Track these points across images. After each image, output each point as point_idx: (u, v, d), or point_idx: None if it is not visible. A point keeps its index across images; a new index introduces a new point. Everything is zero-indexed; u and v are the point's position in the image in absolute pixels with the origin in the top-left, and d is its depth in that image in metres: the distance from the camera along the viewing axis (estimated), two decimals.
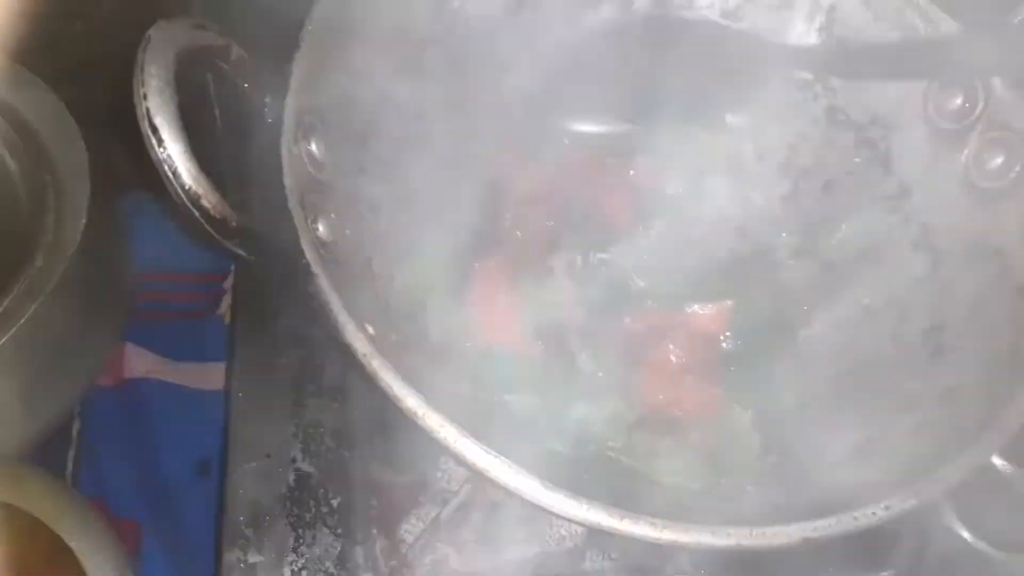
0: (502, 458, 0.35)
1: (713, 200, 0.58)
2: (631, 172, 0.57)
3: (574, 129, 0.56)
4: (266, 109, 0.42)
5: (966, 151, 0.51)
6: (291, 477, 0.49)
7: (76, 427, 0.66)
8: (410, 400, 0.35)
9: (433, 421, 0.35)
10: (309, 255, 0.38)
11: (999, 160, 0.49)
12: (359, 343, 0.36)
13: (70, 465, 0.65)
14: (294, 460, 0.49)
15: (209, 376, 0.70)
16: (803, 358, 0.52)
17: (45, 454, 0.63)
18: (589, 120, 0.56)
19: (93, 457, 0.66)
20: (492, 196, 0.55)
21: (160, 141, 0.34)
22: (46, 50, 0.60)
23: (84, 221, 0.57)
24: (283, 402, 0.51)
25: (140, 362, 0.70)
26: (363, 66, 0.48)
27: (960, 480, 0.38)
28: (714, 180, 0.59)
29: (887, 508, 0.36)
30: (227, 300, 0.73)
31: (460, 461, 0.35)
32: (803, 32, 0.56)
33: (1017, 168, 0.49)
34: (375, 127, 0.50)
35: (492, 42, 0.55)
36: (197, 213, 0.35)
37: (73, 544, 0.49)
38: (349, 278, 0.43)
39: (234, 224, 0.36)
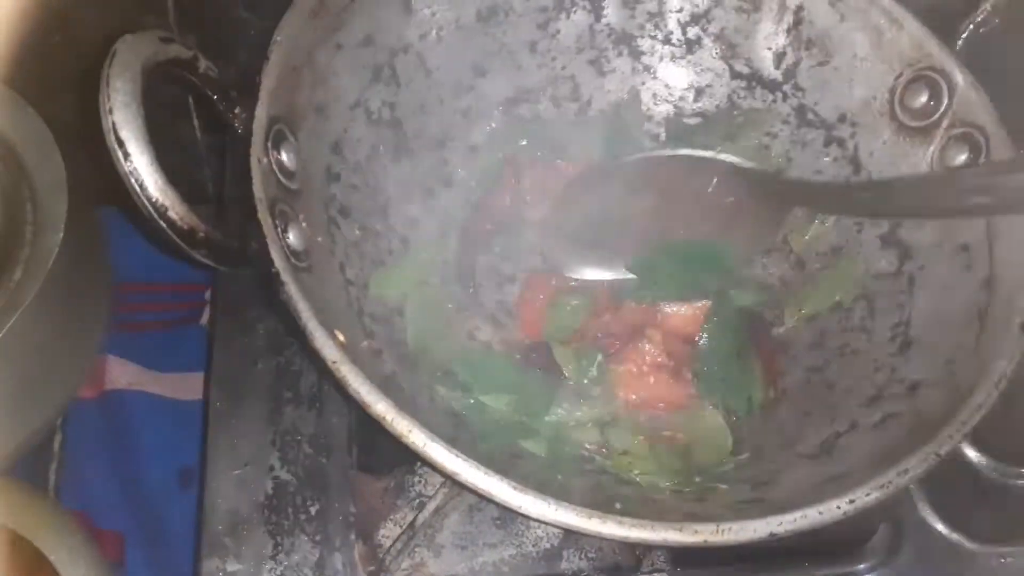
0: (471, 461, 0.35)
1: None
2: None
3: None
4: (236, 120, 0.42)
5: (932, 148, 0.52)
6: (269, 485, 0.49)
7: (58, 440, 0.66)
8: (379, 406, 0.36)
9: (402, 426, 0.35)
10: (279, 264, 0.38)
11: (963, 156, 0.50)
12: (328, 350, 0.37)
13: (52, 478, 0.65)
14: (272, 468, 0.50)
15: (191, 386, 0.70)
16: (775, 355, 0.52)
17: (27, 468, 0.63)
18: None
19: (76, 470, 0.66)
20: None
21: (126, 154, 0.34)
22: (23, 63, 0.60)
23: (62, 234, 0.57)
24: (260, 410, 0.51)
25: (122, 373, 0.70)
26: (334, 74, 0.49)
27: (922, 473, 0.38)
28: None
29: (851, 502, 0.37)
30: (208, 310, 0.73)
31: (430, 465, 0.35)
32: (771, 33, 0.57)
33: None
34: (347, 134, 0.50)
35: (466, 48, 0.56)
36: (164, 225, 0.36)
37: (54, 558, 0.49)
38: (321, 285, 0.43)
39: (202, 235, 0.37)
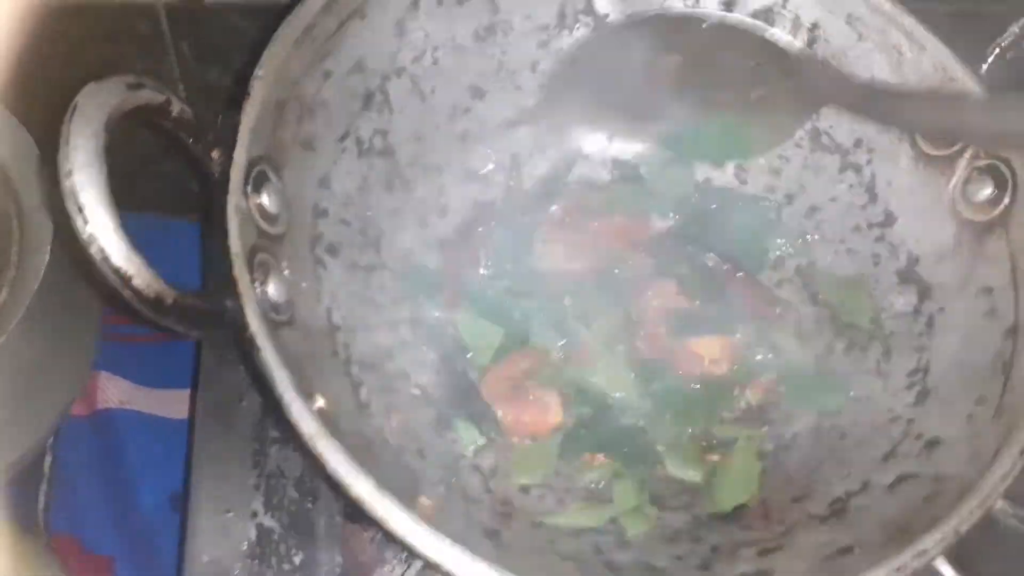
0: (459, 547, 0.33)
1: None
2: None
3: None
4: (214, 164, 0.40)
5: (954, 179, 0.49)
6: (252, 532, 0.47)
7: (48, 461, 0.65)
8: (359, 486, 0.34)
9: (382, 509, 0.33)
10: (254, 326, 0.36)
11: (987, 191, 0.47)
12: (305, 423, 0.34)
13: (42, 500, 0.64)
14: (255, 514, 0.48)
15: (184, 404, 0.68)
16: None
17: (17, 489, 0.62)
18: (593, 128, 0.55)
19: (66, 492, 0.64)
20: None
21: (87, 220, 0.32)
22: (14, 79, 0.58)
23: (48, 256, 0.56)
24: (245, 450, 0.50)
25: (114, 391, 0.68)
26: (322, 105, 0.46)
27: (941, 553, 0.36)
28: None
29: None
30: None
31: (412, 553, 0.33)
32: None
33: (1006, 200, 0.46)
34: (337, 167, 0.48)
35: (462, 69, 0.53)
36: (130, 294, 0.33)
37: None
38: (305, 338, 0.41)
39: (170, 302, 0.34)
